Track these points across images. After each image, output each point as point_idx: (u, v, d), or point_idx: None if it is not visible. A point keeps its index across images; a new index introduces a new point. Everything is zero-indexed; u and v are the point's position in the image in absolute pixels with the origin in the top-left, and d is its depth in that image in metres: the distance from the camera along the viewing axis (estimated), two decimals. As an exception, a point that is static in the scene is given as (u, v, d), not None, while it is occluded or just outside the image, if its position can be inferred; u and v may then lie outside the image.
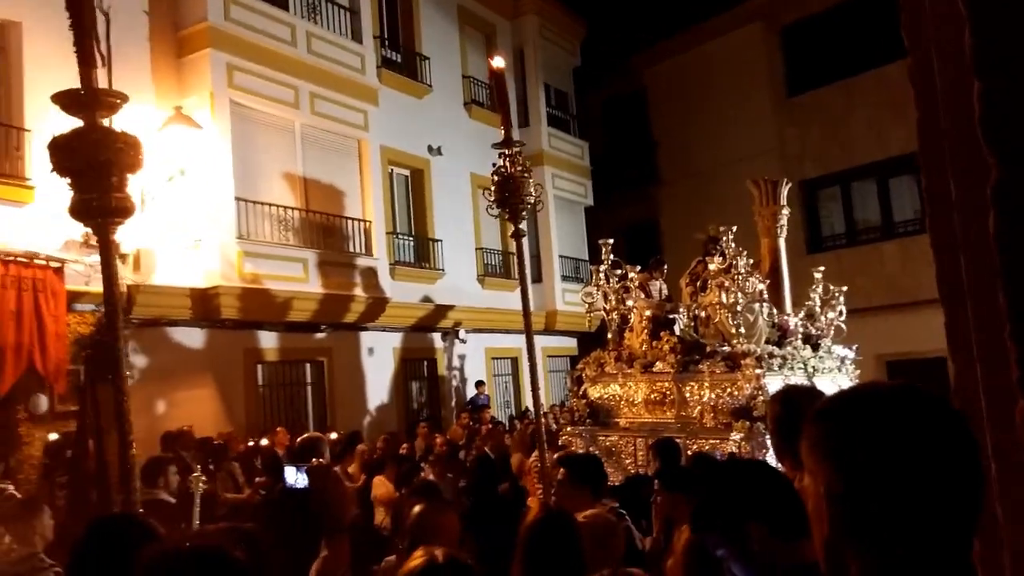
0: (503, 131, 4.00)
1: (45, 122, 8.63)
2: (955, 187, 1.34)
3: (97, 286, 9.58)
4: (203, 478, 5.69)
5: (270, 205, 11.63)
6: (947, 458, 1.05)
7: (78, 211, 3.11)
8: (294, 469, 8.03)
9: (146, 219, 10.17)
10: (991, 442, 1.37)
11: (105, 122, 3.20)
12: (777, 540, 1.98)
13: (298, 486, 7.75)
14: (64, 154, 3.06)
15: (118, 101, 3.14)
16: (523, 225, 4.55)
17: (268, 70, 11.60)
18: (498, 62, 3.89)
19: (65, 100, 3.10)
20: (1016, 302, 1.20)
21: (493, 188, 4.12)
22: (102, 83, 9.91)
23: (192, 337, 10.81)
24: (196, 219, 10.61)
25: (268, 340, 11.89)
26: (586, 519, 3.69)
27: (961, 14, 1.21)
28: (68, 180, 3.07)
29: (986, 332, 1.33)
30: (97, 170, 3.01)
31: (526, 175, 4.05)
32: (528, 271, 16.20)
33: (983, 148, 1.17)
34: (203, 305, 10.60)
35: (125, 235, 9.84)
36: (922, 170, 1.40)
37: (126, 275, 9.85)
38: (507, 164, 4.02)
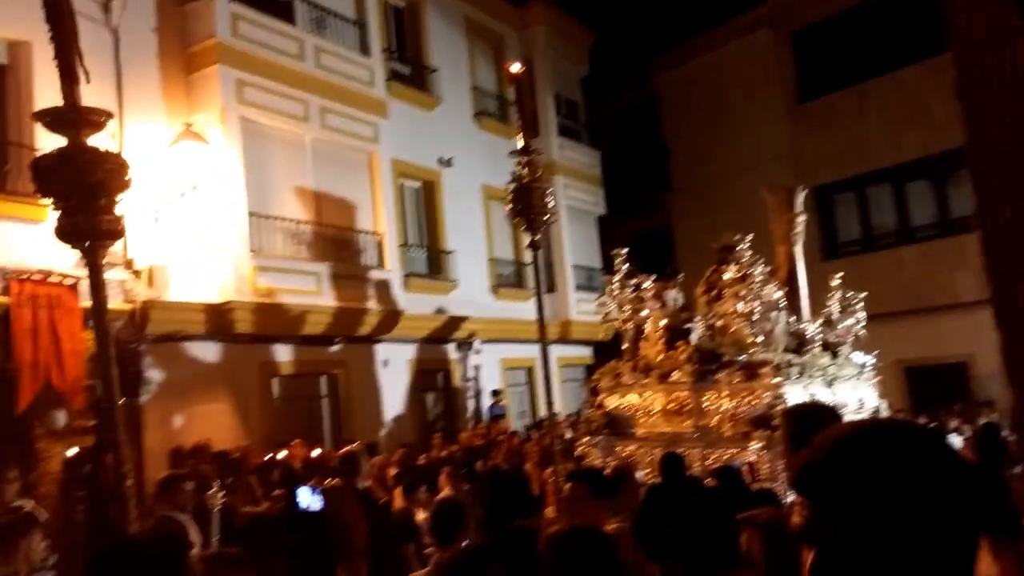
0: (521, 137, 3.94)
1: (56, 140, 8.66)
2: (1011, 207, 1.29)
3: (112, 303, 9.62)
4: (221, 494, 5.65)
5: (282, 219, 11.64)
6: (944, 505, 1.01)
7: (65, 233, 3.01)
8: (308, 490, 8.01)
9: (159, 235, 10.21)
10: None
11: (100, 141, 3.13)
12: None
13: (312, 508, 7.71)
14: (50, 175, 2.97)
15: (102, 119, 3.07)
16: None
17: (277, 85, 11.62)
18: (516, 67, 3.84)
19: (48, 118, 3.02)
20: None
21: (510, 197, 4.07)
22: (114, 100, 9.96)
23: (207, 352, 10.80)
24: (209, 234, 10.62)
25: (283, 353, 11.87)
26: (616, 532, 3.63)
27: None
28: (51, 201, 2.97)
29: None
30: (86, 192, 2.92)
31: (544, 186, 4.00)
32: (542, 281, 16.11)
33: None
34: (218, 320, 10.60)
35: (139, 251, 9.91)
36: (974, 189, 1.34)
37: (140, 290, 9.88)
38: (525, 171, 3.97)
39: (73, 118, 2.97)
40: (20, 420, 8.46)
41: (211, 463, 8.74)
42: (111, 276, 9.70)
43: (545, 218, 4.08)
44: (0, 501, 5.87)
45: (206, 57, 11.04)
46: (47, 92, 9.48)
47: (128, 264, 9.82)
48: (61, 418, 8.67)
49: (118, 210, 3.03)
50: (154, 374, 9.79)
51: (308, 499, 7.81)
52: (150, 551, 1.94)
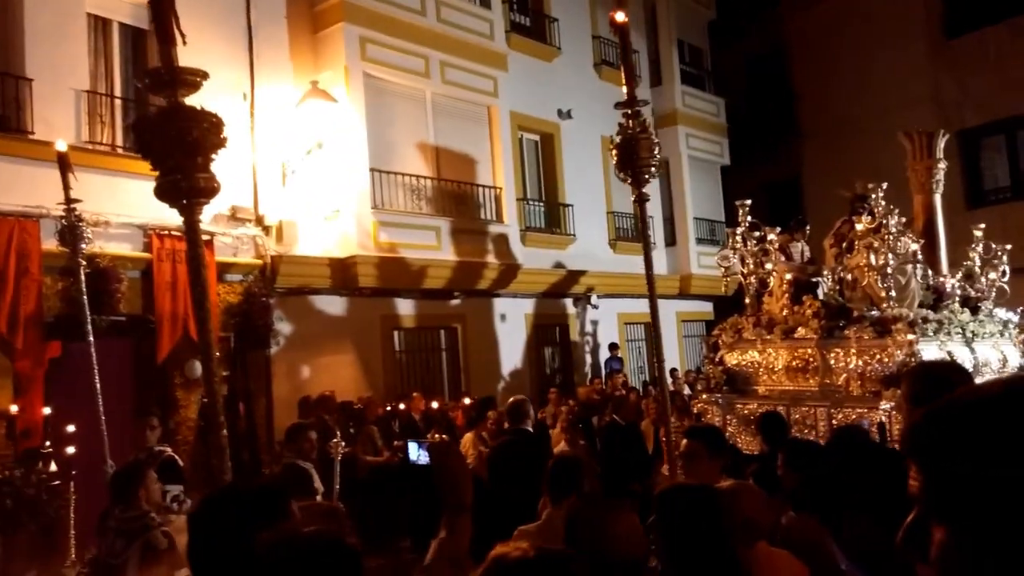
0: (626, 90, 3.79)
1: (193, 101, 9.07)
2: None
3: (244, 257, 10.08)
4: (343, 443, 5.87)
5: (403, 175, 11.83)
6: None
7: (164, 192, 3.10)
8: (416, 444, 8.22)
9: (287, 192, 10.58)
10: None
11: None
12: (880, 529, 1.78)
13: (420, 462, 7.90)
14: (149, 134, 3.06)
15: (199, 79, 3.13)
16: (652, 187, 4.35)
17: (399, 41, 11.73)
18: (620, 16, 3.68)
19: (147, 79, 3.10)
20: None
21: (614, 151, 3.94)
22: (245, 61, 10.31)
23: (332, 305, 11.19)
24: (334, 191, 10.93)
25: (404, 307, 12.17)
26: (734, 486, 3.52)
27: None
28: (151, 160, 3.06)
29: None
30: (183, 151, 2.99)
31: (647, 136, 3.84)
32: (661, 234, 15.76)
33: None
34: (342, 274, 10.94)
35: (268, 208, 10.30)
36: None
37: (270, 246, 10.30)
38: (631, 123, 3.83)
39: (170, 79, 3.04)
40: (161, 369, 9.04)
41: (335, 413, 9.08)
42: (243, 232, 10.21)
43: (652, 172, 3.92)
44: (142, 446, 6.26)
45: (332, 15, 11.25)
46: (184, 53, 9.96)
47: (259, 220, 10.24)
48: (198, 368, 9.18)
49: (214, 168, 3.11)
50: (283, 326, 10.23)
51: (416, 453, 8.03)
52: (251, 498, 2.00)
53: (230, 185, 9.93)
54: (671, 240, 17.32)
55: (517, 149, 14.31)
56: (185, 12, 10.19)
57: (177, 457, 6.47)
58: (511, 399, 6.83)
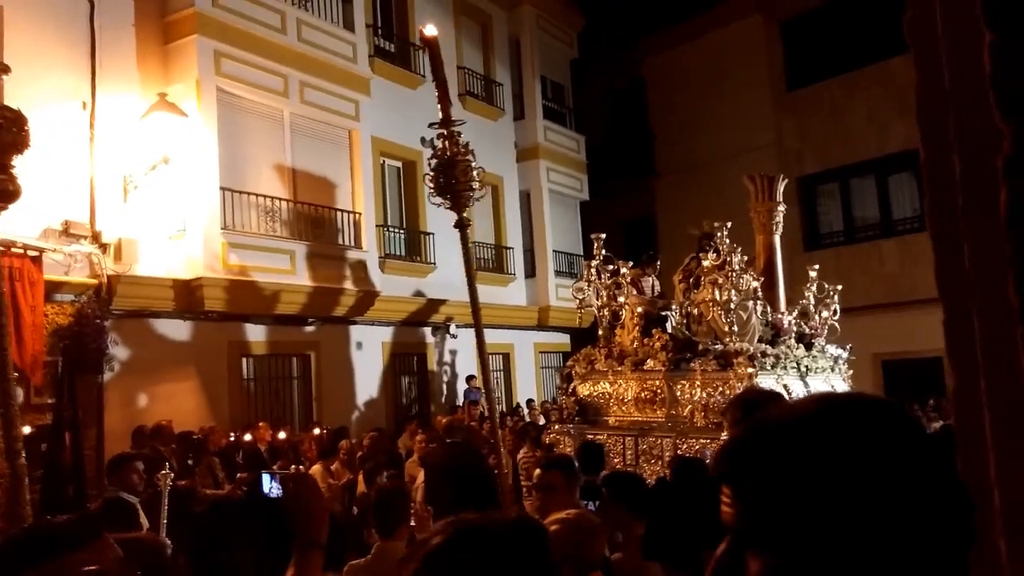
0: (440, 109, 3.70)
1: (25, 106, 8.40)
2: (959, 161, 1.12)
3: (77, 275, 9.37)
4: (171, 475, 5.48)
5: (257, 195, 11.40)
6: (922, 491, 0.79)
7: None
8: (268, 476, 7.84)
9: (129, 208, 9.97)
10: (995, 464, 1.17)
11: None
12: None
13: (272, 494, 7.53)
14: None
15: None
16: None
17: (257, 58, 11.36)
18: (430, 30, 3.58)
19: None
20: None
21: (431, 174, 3.81)
22: (87, 68, 9.65)
23: (176, 329, 10.59)
24: (180, 209, 10.39)
25: (254, 333, 11.68)
26: (568, 519, 3.50)
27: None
28: None
29: (993, 334, 1.12)
30: None
31: (468, 158, 3.75)
32: (521, 266, 15.86)
33: (994, 113, 0.96)
34: (187, 296, 10.38)
35: (106, 224, 9.66)
36: (921, 142, 1.19)
37: (107, 264, 9.65)
38: (446, 145, 3.73)
39: None
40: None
41: (172, 444, 8.55)
42: (77, 248, 9.52)
43: (471, 195, 3.83)
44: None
45: (184, 26, 10.76)
46: (12, 59, 9.26)
47: (95, 237, 9.57)
48: (19, 395, 8.42)
49: (18, 169, 2.82)
50: (119, 351, 9.58)
51: (268, 484, 7.63)
52: (49, 532, 1.77)
53: (64, 198, 9.28)
54: (531, 272, 17.54)
55: (378, 175, 14.13)
56: (22, 13, 9.49)
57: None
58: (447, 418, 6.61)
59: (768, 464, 0.83)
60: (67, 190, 9.30)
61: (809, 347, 8.82)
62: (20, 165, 8.67)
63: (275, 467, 8.90)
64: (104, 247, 9.64)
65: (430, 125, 3.71)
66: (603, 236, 9.60)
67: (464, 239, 3.69)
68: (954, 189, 1.12)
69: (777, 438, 0.84)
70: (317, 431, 10.40)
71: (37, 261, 8.75)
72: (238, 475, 8.67)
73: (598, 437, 8.64)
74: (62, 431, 8.64)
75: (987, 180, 1.01)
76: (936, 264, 1.17)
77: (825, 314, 9.29)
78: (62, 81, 9.42)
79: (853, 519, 0.78)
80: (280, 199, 11.76)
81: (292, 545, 3.88)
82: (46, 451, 8.41)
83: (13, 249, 8.52)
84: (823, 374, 8.72)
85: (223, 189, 10.75)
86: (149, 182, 10.06)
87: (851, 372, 9.26)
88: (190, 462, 8.37)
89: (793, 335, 8.81)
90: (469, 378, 14.64)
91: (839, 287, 9.44)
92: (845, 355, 9.16)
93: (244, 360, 11.60)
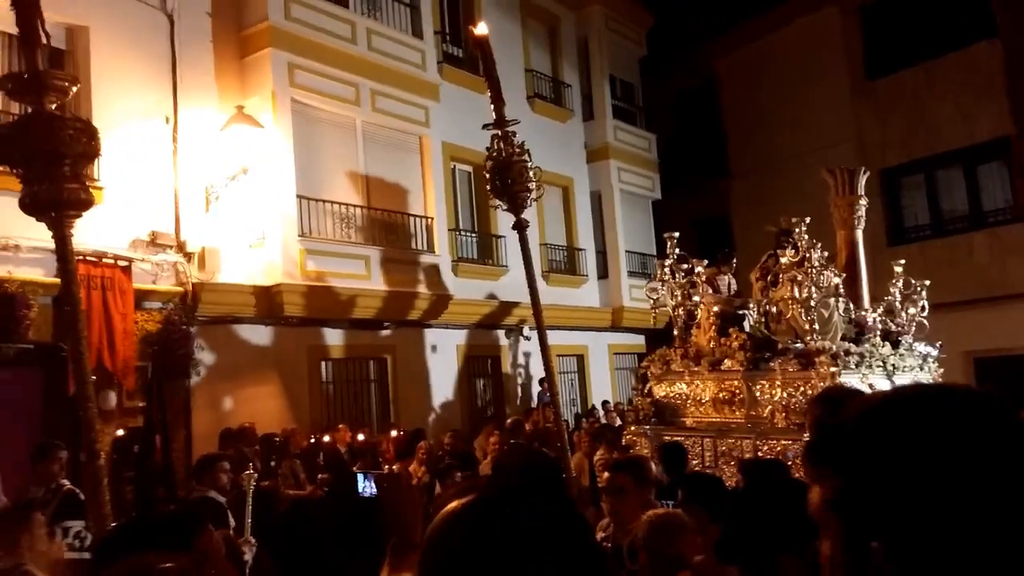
0: (493, 110, 3.61)
1: (112, 123, 8.77)
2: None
3: (164, 284, 9.72)
4: (255, 475, 5.62)
5: (332, 203, 11.63)
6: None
7: (27, 205, 2.86)
8: (362, 476, 7.93)
9: (211, 218, 10.29)
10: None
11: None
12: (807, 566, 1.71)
13: (366, 494, 7.60)
14: (8, 143, 2.81)
15: (67, 84, 2.89)
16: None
17: (329, 68, 11.60)
18: (481, 29, 3.51)
19: (10, 84, 2.86)
20: None
21: (488, 175, 3.72)
22: (168, 84, 9.97)
23: (257, 334, 10.88)
24: (259, 217, 10.67)
25: (332, 337, 11.91)
26: (658, 515, 3.46)
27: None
28: (16, 172, 2.82)
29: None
30: (44, 159, 2.75)
31: (524, 158, 3.65)
32: (593, 267, 15.77)
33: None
34: (267, 302, 10.66)
35: (190, 234, 9.99)
36: (1014, 121, 1.11)
37: (192, 273, 9.97)
38: (501, 146, 3.63)
39: (35, 83, 2.79)
40: (72, 400, 8.60)
41: (256, 446, 8.78)
42: (164, 258, 9.87)
43: (530, 196, 3.74)
44: (46, 481, 5.91)
45: (259, 40, 11.07)
46: (104, 75, 9.67)
47: (180, 247, 9.92)
48: (112, 399, 8.78)
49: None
50: (204, 356, 9.88)
51: (362, 484, 7.73)
52: (155, 527, 1.82)
53: (150, 210, 9.65)
54: (603, 273, 17.42)
55: (449, 179, 14.25)
56: (106, 34, 9.86)
57: (79, 492, 6.10)
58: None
59: (884, 443, 0.83)
60: (153, 202, 9.66)
61: (896, 345, 8.49)
62: (107, 178, 9.05)
63: (355, 468, 9.06)
64: (189, 256, 9.98)
65: (484, 126, 3.65)
66: (677, 235, 9.45)
67: (523, 240, 3.63)
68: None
69: (890, 421, 0.84)
70: (395, 433, 10.52)
71: (127, 271, 9.11)
72: (319, 476, 8.84)
73: (676, 438, 8.51)
74: (153, 433, 8.95)
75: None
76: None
77: (912, 311, 8.94)
78: (146, 97, 9.79)
79: (969, 499, 0.78)
80: (354, 206, 11.97)
81: (388, 546, 3.88)
82: (138, 452, 8.73)
83: (104, 260, 8.90)
84: (911, 372, 8.38)
85: (299, 197, 11.00)
86: (229, 192, 10.37)
87: (941, 370, 8.89)
88: (272, 463, 8.57)
89: (878, 333, 8.51)
90: (542, 380, 14.61)
91: (927, 283, 9.08)
92: (935, 353, 8.80)
93: (323, 364, 11.83)
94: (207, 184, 10.27)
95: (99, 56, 9.50)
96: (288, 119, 10.98)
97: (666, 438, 8.64)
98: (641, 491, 4.35)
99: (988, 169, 15.86)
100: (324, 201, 11.49)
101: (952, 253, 15.60)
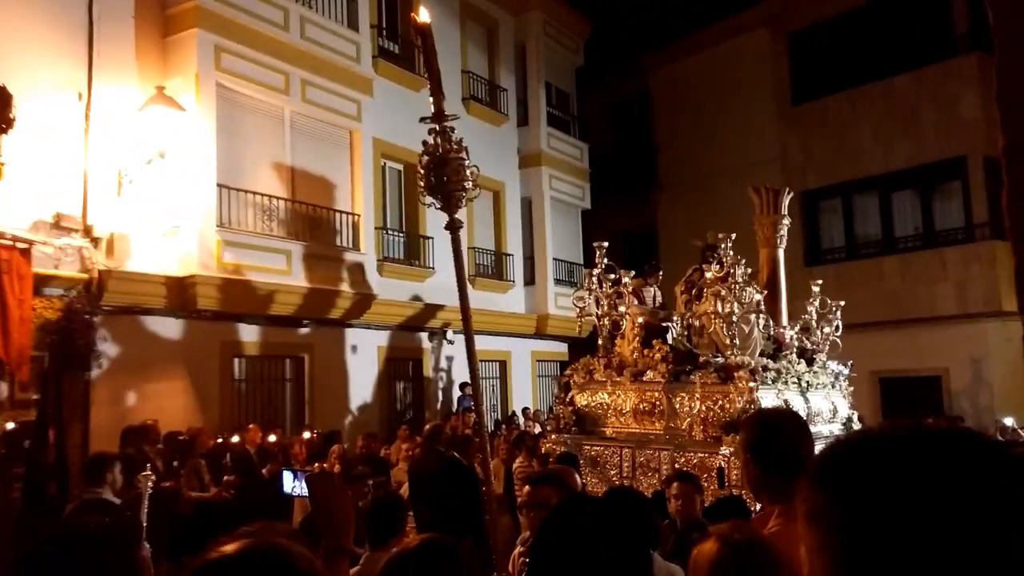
0: (432, 103, 3.43)
1: (18, 94, 8.22)
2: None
3: (67, 269, 9.20)
4: (152, 476, 5.30)
5: (254, 193, 11.23)
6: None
7: None
8: (291, 474, 7.61)
9: (122, 202, 9.80)
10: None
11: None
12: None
13: (295, 494, 7.29)
14: None
15: None
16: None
17: (258, 54, 11.22)
18: (424, 16, 3.31)
19: None
20: None
21: (421, 172, 3.54)
22: (84, 58, 9.50)
23: (166, 327, 10.40)
24: (175, 205, 10.21)
25: (247, 333, 11.49)
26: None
27: None
28: None
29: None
30: None
31: (461, 156, 3.48)
32: (520, 273, 15.65)
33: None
34: (179, 294, 10.21)
35: (99, 218, 9.49)
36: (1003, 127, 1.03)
37: (98, 259, 9.47)
38: (438, 141, 3.46)
39: None
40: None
41: (158, 445, 8.37)
42: (68, 242, 9.33)
43: (466, 196, 3.57)
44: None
45: (185, 19, 10.63)
46: (12, 41, 9.10)
47: (87, 231, 9.40)
48: (3, 389, 8.25)
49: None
50: (107, 348, 9.39)
51: (291, 484, 7.40)
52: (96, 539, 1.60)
53: (56, 190, 9.10)
54: (530, 279, 17.37)
55: (379, 176, 13.97)
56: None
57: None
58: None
59: (879, 480, 0.85)
60: (59, 182, 9.12)
61: (810, 363, 8.65)
62: (9, 154, 8.50)
63: (264, 471, 8.72)
64: (96, 241, 9.46)
65: (422, 120, 3.46)
66: (606, 245, 9.43)
67: (455, 242, 3.45)
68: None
69: (893, 454, 0.86)
70: (308, 434, 10.21)
71: (26, 253, 8.57)
72: (224, 478, 8.49)
73: (595, 448, 8.47)
74: (46, 428, 8.46)
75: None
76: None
77: (827, 330, 9.13)
78: (57, 70, 9.25)
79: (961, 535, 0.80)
80: (278, 198, 11.61)
81: (319, 551, 3.65)
82: (29, 448, 8.22)
83: (1, 240, 8.36)
84: (823, 390, 8.54)
85: (220, 186, 10.59)
86: (144, 176, 9.88)
87: (851, 389, 9.10)
88: (176, 463, 8.19)
89: (795, 350, 8.64)
90: (463, 385, 14.45)
91: (842, 303, 9.27)
92: (846, 372, 8.99)
93: (236, 360, 11.41)
94: (120, 166, 9.77)
95: (6, 19, 8.90)
96: (212, 103, 10.57)
97: (586, 447, 8.59)
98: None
99: (902, 196, 16.43)
100: (246, 191, 11.09)
101: (865, 276, 16.09)
